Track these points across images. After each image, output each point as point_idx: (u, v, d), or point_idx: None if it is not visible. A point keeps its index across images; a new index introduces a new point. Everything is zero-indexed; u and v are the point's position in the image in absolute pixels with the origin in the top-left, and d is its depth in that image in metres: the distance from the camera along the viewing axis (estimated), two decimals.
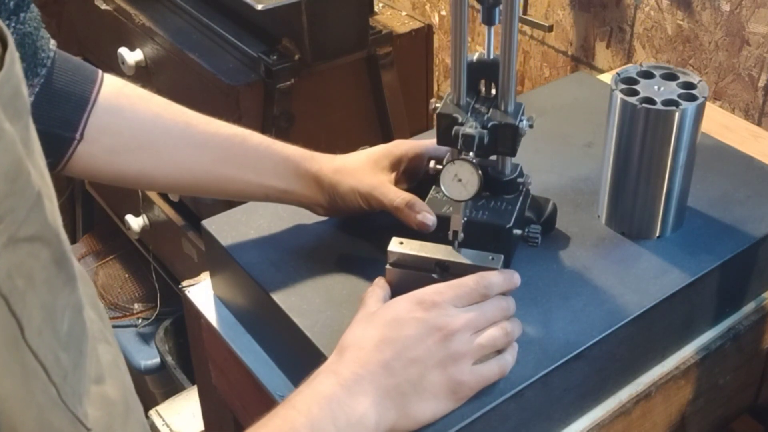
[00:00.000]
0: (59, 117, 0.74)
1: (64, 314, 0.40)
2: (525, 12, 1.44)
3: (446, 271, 0.73)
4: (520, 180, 0.81)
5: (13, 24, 0.65)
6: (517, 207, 0.79)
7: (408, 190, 0.82)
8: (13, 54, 0.35)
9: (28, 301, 0.36)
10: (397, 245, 0.74)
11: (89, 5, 1.69)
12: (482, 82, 0.79)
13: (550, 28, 1.42)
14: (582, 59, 1.44)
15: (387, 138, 1.51)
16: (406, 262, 0.74)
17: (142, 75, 1.60)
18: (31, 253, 0.36)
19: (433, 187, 0.81)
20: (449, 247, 0.74)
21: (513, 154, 0.78)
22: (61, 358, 0.39)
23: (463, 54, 0.75)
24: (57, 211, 0.39)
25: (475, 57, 0.77)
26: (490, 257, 0.73)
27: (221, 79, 1.37)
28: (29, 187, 0.36)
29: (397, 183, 0.82)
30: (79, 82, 0.75)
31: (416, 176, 0.84)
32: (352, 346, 0.67)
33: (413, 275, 0.73)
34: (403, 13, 1.57)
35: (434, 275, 0.73)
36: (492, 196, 0.80)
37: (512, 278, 0.73)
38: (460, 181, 0.72)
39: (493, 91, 0.79)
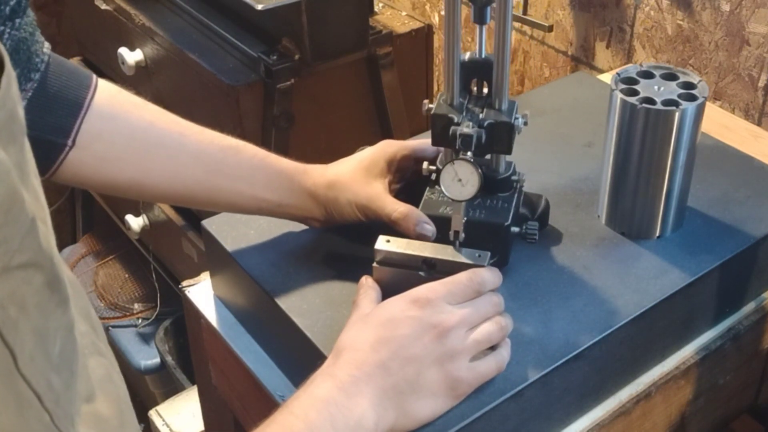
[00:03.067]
0: (52, 123, 0.72)
1: (56, 336, 0.39)
2: (525, 12, 1.44)
3: (433, 268, 0.73)
4: (514, 178, 0.81)
5: (8, 30, 0.64)
6: (513, 204, 0.80)
7: (400, 189, 0.82)
8: (9, 76, 0.34)
9: (21, 329, 0.36)
10: (383, 243, 0.74)
11: (89, 5, 1.69)
12: (473, 81, 0.79)
13: (550, 28, 1.42)
14: (582, 59, 1.44)
15: (387, 138, 1.51)
16: (393, 260, 0.74)
17: (142, 75, 1.60)
18: (24, 280, 0.36)
19: (428, 188, 0.81)
20: (436, 245, 0.74)
21: (509, 151, 0.78)
22: (53, 381, 0.39)
23: (456, 54, 0.75)
24: (51, 233, 0.39)
25: (467, 56, 0.77)
26: (477, 254, 0.73)
27: (221, 79, 1.37)
28: (23, 214, 0.35)
29: (390, 185, 0.82)
30: (72, 88, 0.73)
31: (405, 176, 0.84)
32: (348, 348, 0.67)
33: (400, 273, 0.73)
34: (403, 13, 1.57)
35: (421, 273, 0.73)
36: (487, 194, 0.80)
37: (500, 275, 0.73)
38: (460, 181, 0.72)
39: (485, 90, 0.79)
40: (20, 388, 0.36)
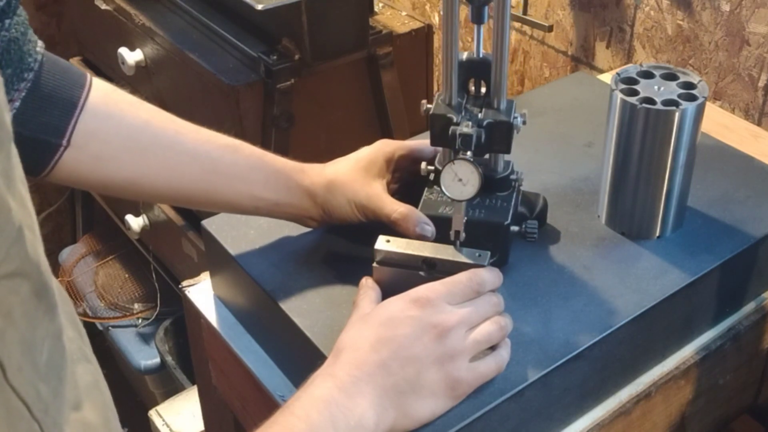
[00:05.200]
0: (46, 122, 0.71)
1: (43, 344, 0.39)
2: (525, 12, 1.44)
3: (433, 268, 0.73)
4: (513, 177, 0.81)
5: None
6: (512, 203, 0.80)
7: (396, 189, 0.82)
8: None
9: (8, 339, 0.36)
10: (383, 243, 0.74)
11: (89, 5, 1.69)
12: (471, 81, 0.79)
13: (550, 28, 1.42)
14: (582, 59, 1.44)
15: (387, 138, 1.51)
16: (393, 260, 0.74)
17: (142, 75, 1.60)
18: (10, 290, 0.36)
19: (426, 188, 0.81)
20: (436, 245, 0.74)
21: (508, 151, 0.78)
22: (41, 390, 0.38)
23: (454, 54, 0.75)
24: (38, 241, 0.39)
25: (464, 56, 0.78)
26: (477, 254, 0.73)
27: (221, 79, 1.37)
28: (9, 224, 0.35)
29: (388, 185, 0.82)
30: (67, 87, 0.72)
31: (402, 176, 0.84)
32: (348, 348, 0.67)
33: (400, 273, 0.73)
34: (403, 13, 1.57)
35: (421, 273, 0.73)
36: (486, 194, 0.80)
37: (500, 275, 0.73)
38: (460, 180, 0.72)
39: (483, 90, 0.79)
40: (10, 399, 0.36)
